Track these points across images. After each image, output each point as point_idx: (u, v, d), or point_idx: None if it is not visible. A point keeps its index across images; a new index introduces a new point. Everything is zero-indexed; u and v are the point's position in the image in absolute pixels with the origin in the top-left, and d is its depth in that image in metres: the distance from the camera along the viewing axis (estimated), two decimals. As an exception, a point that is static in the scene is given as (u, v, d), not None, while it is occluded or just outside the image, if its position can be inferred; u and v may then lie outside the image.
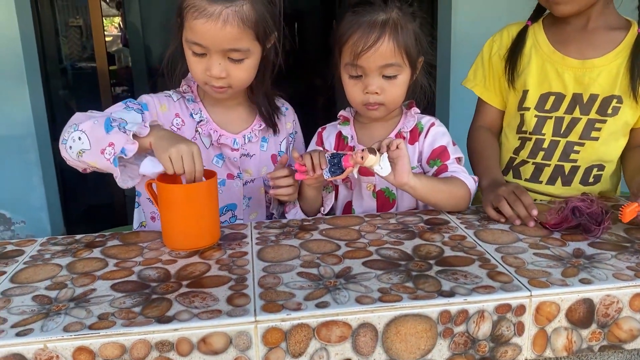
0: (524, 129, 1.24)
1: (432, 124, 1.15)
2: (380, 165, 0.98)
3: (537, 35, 1.22)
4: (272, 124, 1.21)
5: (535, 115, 1.22)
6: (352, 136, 1.19)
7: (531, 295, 0.76)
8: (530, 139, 1.24)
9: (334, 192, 1.19)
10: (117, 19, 8.75)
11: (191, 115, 1.16)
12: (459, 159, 1.14)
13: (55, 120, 3.18)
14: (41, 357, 0.68)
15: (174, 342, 0.70)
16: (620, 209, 0.94)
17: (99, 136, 0.96)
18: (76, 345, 0.68)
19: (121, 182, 0.98)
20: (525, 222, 1.00)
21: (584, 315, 0.78)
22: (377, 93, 1.08)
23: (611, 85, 1.16)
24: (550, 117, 1.21)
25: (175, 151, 0.92)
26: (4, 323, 0.71)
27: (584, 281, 0.79)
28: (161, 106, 1.14)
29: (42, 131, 2.94)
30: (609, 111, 1.17)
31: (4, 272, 0.87)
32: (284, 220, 1.08)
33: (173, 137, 0.97)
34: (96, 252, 0.94)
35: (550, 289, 0.77)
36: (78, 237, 1.01)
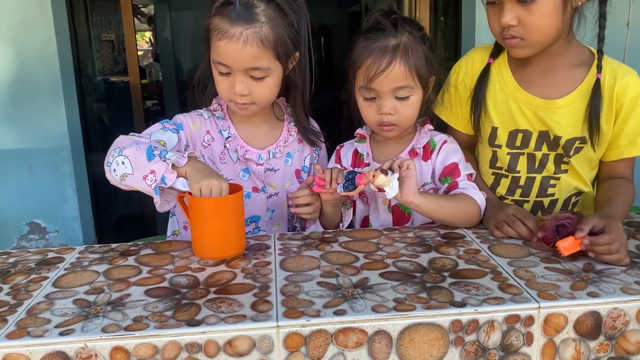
0: (498, 165, 1.24)
1: (445, 142, 1.20)
2: (390, 186, 1.02)
3: (502, 71, 1.21)
4: (309, 141, 1.28)
5: (508, 153, 1.21)
6: (367, 153, 1.24)
7: (539, 307, 0.79)
8: (506, 176, 1.23)
9: (352, 208, 1.24)
10: (148, 34, 8.98)
11: (220, 132, 1.23)
12: (470, 175, 1.17)
13: (89, 134, 3.31)
14: (82, 355, 0.74)
15: (202, 344, 0.75)
16: (556, 244, 0.95)
17: (141, 163, 1.02)
18: (113, 345, 0.74)
19: (159, 207, 1.03)
20: (529, 239, 1.03)
21: (591, 327, 0.81)
22: (390, 114, 1.13)
23: (573, 127, 1.14)
24: (523, 154, 1.20)
25: (207, 184, 0.98)
26: (48, 323, 0.78)
27: (592, 294, 0.82)
28: (194, 124, 1.21)
29: (76, 144, 3.06)
30: (571, 152, 1.16)
31: (47, 277, 0.94)
32: (306, 233, 1.13)
33: (207, 170, 1.02)
34: (130, 260, 1.00)
35: (558, 301, 0.80)
36: (114, 245, 1.08)
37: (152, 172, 1.00)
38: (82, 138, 3.12)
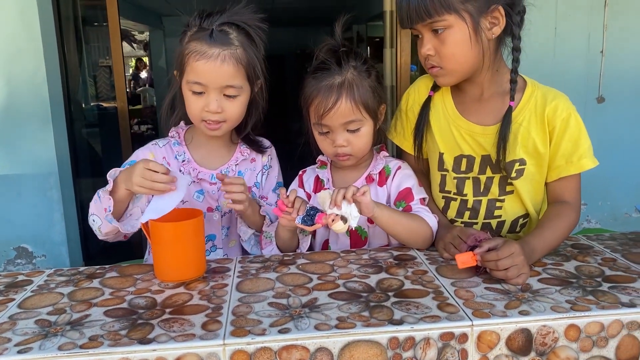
0: (446, 189, 1.28)
1: (399, 167, 1.26)
2: (351, 223, 1.08)
3: (445, 100, 1.27)
4: (259, 150, 1.37)
5: (455, 177, 1.26)
6: (328, 179, 1.30)
7: (472, 325, 0.84)
8: (455, 200, 1.27)
9: (310, 234, 1.29)
10: (144, 60, 9.09)
11: (175, 157, 1.31)
12: (423, 199, 1.23)
13: (78, 160, 3.37)
14: (38, 372, 0.79)
15: (152, 361, 0.80)
16: (455, 256, 1.01)
17: (100, 208, 1.16)
18: (68, 363, 0.79)
19: (123, 230, 1.17)
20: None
21: (522, 344, 0.86)
22: (344, 146, 1.20)
23: (510, 150, 1.18)
24: (468, 178, 1.25)
25: (136, 181, 1.08)
26: (8, 342, 0.82)
27: (523, 312, 0.87)
28: (150, 154, 1.30)
29: (64, 170, 3.11)
30: (513, 174, 1.21)
31: (13, 299, 0.98)
32: (267, 256, 1.18)
33: (128, 172, 1.11)
34: (95, 282, 1.05)
35: (491, 319, 0.85)
36: (81, 269, 1.13)
37: (105, 209, 1.13)
38: (70, 164, 3.18)
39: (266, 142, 1.40)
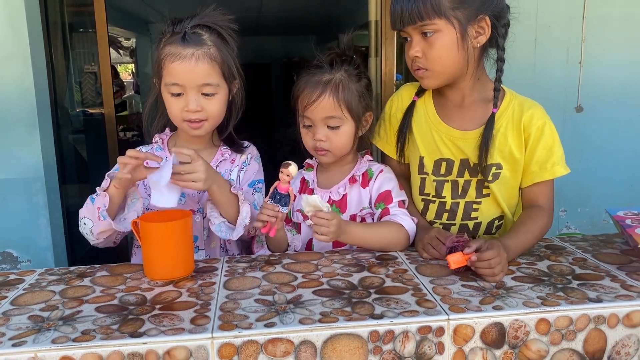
0: (426, 191, 1.34)
1: (381, 171, 1.32)
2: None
3: (427, 106, 1.33)
4: (238, 149, 1.40)
5: (434, 180, 1.32)
6: (313, 180, 1.37)
7: (449, 319, 0.89)
8: (434, 202, 1.33)
9: (298, 234, 1.34)
10: (131, 66, 9.09)
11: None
12: (402, 202, 1.29)
13: (64, 165, 3.37)
14: (32, 364, 0.82)
15: (143, 353, 0.83)
16: (446, 257, 1.06)
17: (92, 210, 1.19)
18: (61, 355, 0.82)
19: (116, 227, 1.18)
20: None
21: (496, 337, 0.90)
22: (323, 140, 1.27)
23: (490, 153, 1.24)
24: (447, 181, 1.31)
25: (118, 172, 1.15)
26: (2, 337, 0.85)
27: (497, 307, 0.92)
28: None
29: (51, 175, 3.11)
30: (490, 178, 1.27)
31: (6, 297, 1.01)
32: (254, 256, 1.22)
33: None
34: (86, 281, 1.08)
35: (466, 313, 0.90)
36: (72, 268, 1.15)
37: (99, 208, 1.17)
38: (56, 169, 3.18)
39: (247, 143, 1.44)
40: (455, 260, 1.04)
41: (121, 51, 8.38)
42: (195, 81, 1.24)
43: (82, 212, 1.23)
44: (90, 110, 4.74)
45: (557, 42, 3.22)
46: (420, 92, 1.34)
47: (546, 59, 3.22)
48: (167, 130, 1.39)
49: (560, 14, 3.20)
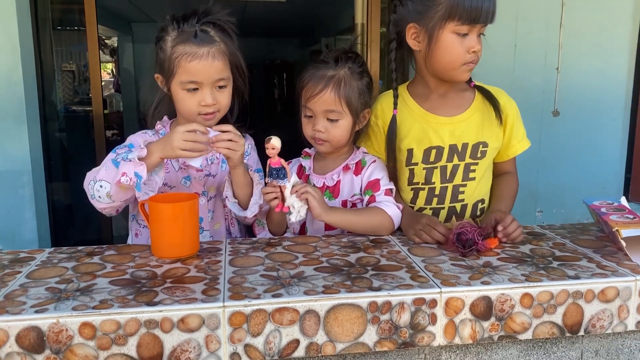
0: (415, 180, 1.44)
1: (374, 161, 1.41)
2: (290, 216, 1.25)
3: (409, 104, 1.45)
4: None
5: (424, 168, 1.42)
6: (309, 167, 1.45)
7: (441, 292, 0.97)
8: (423, 189, 1.44)
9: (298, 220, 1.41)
10: (110, 65, 9.04)
11: None
12: (390, 190, 1.37)
13: (51, 160, 3.38)
14: (54, 330, 0.87)
15: (159, 320, 0.89)
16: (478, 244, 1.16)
17: (113, 174, 1.20)
18: (82, 321, 0.87)
19: (143, 197, 1.21)
20: (442, 243, 1.22)
21: (484, 309, 0.98)
22: (321, 131, 1.35)
23: (477, 133, 1.42)
24: (436, 167, 1.42)
25: (179, 144, 1.19)
26: (24, 305, 0.90)
27: (485, 282, 1.00)
28: (143, 142, 1.37)
29: (37, 169, 3.13)
30: (479, 155, 1.42)
31: (20, 272, 1.06)
32: (255, 238, 1.29)
33: (164, 141, 1.23)
34: (96, 259, 1.13)
35: (457, 287, 0.98)
36: (80, 248, 1.20)
37: (124, 174, 1.18)
38: (43, 163, 3.19)
39: (245, 134, 1.50)
40: (491, 243, 1.18)
41: (103, 49, 8.34)
42: (211, 77, 1.31)
43: (100, 174, 1.22)
44: (75, 108, 4.74)
45: (536, 49, 3.35)
46: (397, 103, 1.43)
47: (525, 64, 3.35)
48: (165, 118, 1.45)
49: (539, 21, 3.33)
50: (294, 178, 1.24)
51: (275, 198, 1.26)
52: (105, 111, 6.93)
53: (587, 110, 3.45)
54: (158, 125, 1.43)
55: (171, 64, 1.31)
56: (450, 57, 1.33)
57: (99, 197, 1.23)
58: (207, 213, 1.43)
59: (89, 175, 1.26)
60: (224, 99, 1.36)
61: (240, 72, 1.39)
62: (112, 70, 8.77)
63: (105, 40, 7.65)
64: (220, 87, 1.34)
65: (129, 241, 1.45)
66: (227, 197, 1.37)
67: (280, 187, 1.24)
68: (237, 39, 1.38)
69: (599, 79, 3.46)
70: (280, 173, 1.23)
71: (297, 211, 1.23)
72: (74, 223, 3.89)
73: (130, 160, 1.19)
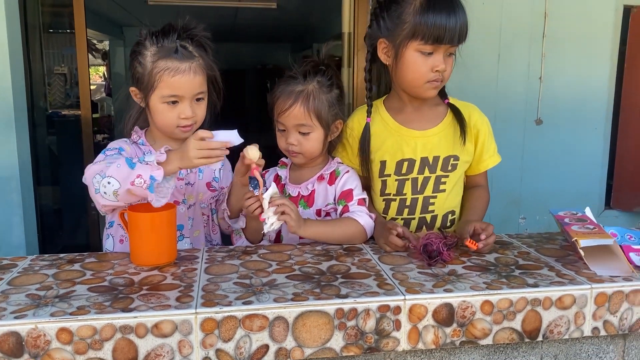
0: (387, 191, 1.49)
1: (347, 171, 1.46)
2: (264, 225, 1.27)
3: (383, 115, 1.50)
4: None
5: (396, 180, 1.47)
6: (285, 176, 1.50)
7: (405, 299, 1.01)
8: (394, 200, 1.49)
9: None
10: (102, 69, 9.05)
11: (144, 153, 1.44)
12: (363, 200, 1.42)
13: (39, 165, 3.41)
14: (32, 335, 0.91)
15: (133, 326, 0.93)
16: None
17: (126, 174, 1.20)
18: (59, 327, 0.91)
19: (155, 203, 1.22)
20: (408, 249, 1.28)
21: (446, 316, 1.03)
22: (294, 144, 1.40)
23: (448, 147, 1.47)
24: (408, 179, 1.47)
25: (194, 154, 1.21)
26: (4, 311, 0.94)
27: (447, 290, 1.05)
28: (127, 147, 1.43)
29: (25, 175, 3.15)
30: (449, 167, 1.47)
31: (2, 278, 1.10)
32: (232, 247, 1.33)
33: (180, 152, 1.24)
34: (76, 266, 1.17)
35: (420, 294, 1.02)
36: (62, 255, 1.24)
37: (139, 176, 1.19)
38: (31, 169, 3.22)
39: None
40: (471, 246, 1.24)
41: (94, 53, 8.37)
42: (192, 91, 1.37)
43: (110, 170, 1.22)
44: (63, 112, 4.76)
45: (519, 59, 3.42)
46: (370, 113, 1.49)
47: (508, 74, 3.42)
48: (136, 127, 1.49)
49: (522, 31, 3.39)
50: (272, 189, 1.27)
51: (258, 207, 1.29)
52: (97, 115, 6.96)
53: (570, 119, 3.52)
54: (134, 135, 1.47)
55: (152, 79, 1.35)
56: (413, 74, 1.38)
57: (104, 192, 1.22)
58: (187, 220, 1.47)
59: (93, 169, 1.26)
60: (201, 111, 1.41)
61: (215, 85, 1.45)
62: (104, 74, 8.80)
63: (97, 45, 7.68)
64: (198, 99, 1.40)
65: (109, 247, 1.48)
66: (225, 210, 1.44)
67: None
68: (212, 53, 1.43)
69: (581, 88, 3.53)
70: (252, 182, 1.27)
71: (270, 223, 1.27)
72: (62, 228, 3.92)
73: (147, 163, 1.21)
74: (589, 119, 3.58)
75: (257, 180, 1.27)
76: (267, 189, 1.26)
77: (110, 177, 1.22)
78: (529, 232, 3.55)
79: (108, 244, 1.47)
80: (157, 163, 1.22)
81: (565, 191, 3.58)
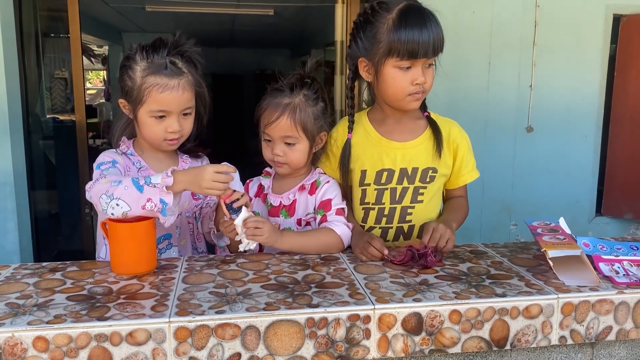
0: (366, 200, 1.52)
1: (328, 182, 1.49)
2: (240, 245, 1.32)
3: (366, 126, 1.54)
4: (196, 156, 1.58)
5: (375, 189, 1.50)
6: (268, 186, 1.54)
7: (374, 308, 1.04)
8: (373, 209, 1.52)
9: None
10: (103, 73, 9.08)
11: (133, 164, 1.48)
12: (342, 210, 1.45)
13: (34, 171, 3.44)
14: (9, 343, 0.93)
15: (108, 334, 0.96)
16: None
17: (135, 197, 1.21)
18: (35, 335, 0.94)
19: (167, 223, 1.25)
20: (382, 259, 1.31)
21: (415, 325, 1.06)
22: (280, 155, 1.44)
23: (427, 159, 1.51)
24: (387, 189, 1.50)
25: (207, 185, 1.24)
26: (-17, 319, 0.97)
27: (416, 299, 1.07)
28: (119, 158, 1.45)
29: (20, 181, 3.18)
30: (427, 179, 1.51)
31: (-16, 287, 1.13)
32: (211, 256, 1.36)
33: (191, 175, 1.26)
34: (58, 275, 1.20)
35: (389, 304, 1.05)
36: (44, 264, 1.27)
37: (149, 200, 1.21)
38: (26, 175, 3.25)
39: (201, 154, 1.60)
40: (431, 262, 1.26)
41: (93, 59, 8.41)
42: (180, 107, 1.40)
43: (118, 192, 1.21)
44: (61, 117, 4.78)
45: (510, 67, 3.45)
46: (352, 128, 1.52)
47: (499, 82, 3.45)
48: (124, 138, 1.52)
49: (513, 40, 3.43)
50: (243, 214, 1.29)
51: (233, 231, 1.33)
52: (96, 120, 7.00)
53: (560, 126, 3.56)
54: (122, 146, 1.50)
55: (141, 93, 1.39)
56: (394, 89, 1.42)
57: (112, 213, 1.22)
58: (175, 229, 1.50)
59: (97, 189, 1.25)
60: (188, 125, 1.45)
61: (202, 100, 1.48)
62: (103, 79, 8.83)
63: (96, 50, 7.73)
64: (185, 114, 1.43)
65: (102, 255, 1.51)
66: (212, 228, 1.47)
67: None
68: (202, 68, 1.46)
69: (572, 96, 3.56)
70: (229, 207, 1.30)
71: (246, 243, 1.31)
72: (56, 234, 3.94)
73: (155, 186, 1.22)
74: (580, 126, 3.61)
75: (229, 205, 1.30)
76: (237, 215, 1.29)
77: (118, 199, 1.22)
78: (520, 238, 3.59)
79: (102, 253, 1.50)
80: (166, 188, 1.23)
81: (556, 198, 3.61)
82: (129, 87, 1.40)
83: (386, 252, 1.30)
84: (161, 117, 1.40)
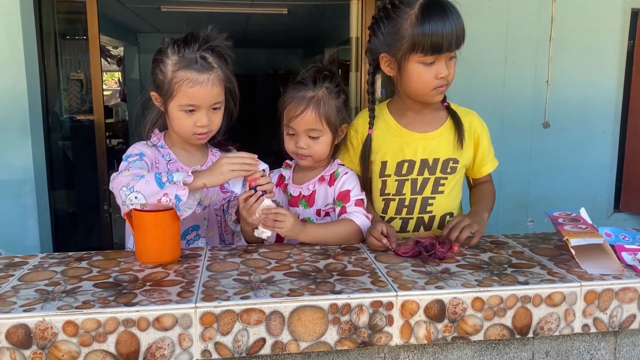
0: (386, 191, 1.53)
1: (346, 173, 1.50)
2: (256, 231, 1.35)
3: (387, 120, 1.54)
4: (226, 150, 1.58)
5: (396, 180, 1.52)
6: (289, 177, 1.56)
7: (397, 295, 1.05)
8: (394, 200, 1.53)
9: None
10: (118, 74, 9.17)
11: (163, 156, 1.50)
12: (361, 201, 1.45)
13: (53, 169, 3.49)
14: (40, 327, 0.95)
15: (135, 320, 0.97)
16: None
17: (154, 191, 1.25)
18: (65, 320, 0.96)
19: (182, 216, 1.27)
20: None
21: (438, 312, 1.06)
22: (304, 148, 1.45)
23: (447, 150, 1.51)
24: (407, 180, 1.51)
25: (227, 168, 1.30)
26: (13, 304, 0.99)
27: (439, 287, 1.08)
28: (147, 151, 1.48)
29: (40, 178, 3.23)
30: (449, 170, 1.52)
31: (13, 275, 1.15)
32: (234, 245, 1.37)
33: (210, 170, 1.32)
34: (84, 264, 1.22)
35: (412, 291, 1.06)
36: (70, 253, 1.29)
37: (165, 194, 1.24)
38: (46, 172, 3.30)
39: (231, 148, 1.61)
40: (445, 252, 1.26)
41: (109, 59, 8.50)
42: (209, 102, 1.42)
43: (138, 185, 1.25)
44: (80, 117, 4.84)
45: (526, 62, 3.43)
46: (372, 123, 1.53)
47: (515, 77, 3.44)
48: (156, 130, 1.55)
49: (529, 35, 3.41)
50: (265, 202, 1.32)
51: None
52: (112, 120, 7.07)
53: (577, 122, 3.53)
54: (154, 138, 1.52)
55: (171, 87, 1.40)
56: (418, 84, 1.42)
57: (131, 204, 1.26)
58: (203, 221, 1.53)
59: (120, 180, 1.29)
60: (217, 119, 1.47)
61: (232, 95, 1.50)
62: (119, 80, 8.93)
63: (112, 51, 7.81)
64: (215, 109, 1.45)
65: (130, 245, 1.53)
66: (232, 215, 1.51)
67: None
68: (232, 63, 1.48)
69: (589, 92, 3.53)
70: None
71: (261, 231, 1.34)
72: (75, 231, 4.00)
73: (175, 183, 1.25)
74: (597, 122, 3.58)
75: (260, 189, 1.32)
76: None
77: (138, 193, 1.25)
78: (537, 233, 3.58)
79: (130, 243, 1.53)
80: (184, 183, 1.26)
81: (573, 194, 3.58)
82: (160, 80, 1.42)
83: (385, 241, 1.29)
84: (191, 111, 1.42)
